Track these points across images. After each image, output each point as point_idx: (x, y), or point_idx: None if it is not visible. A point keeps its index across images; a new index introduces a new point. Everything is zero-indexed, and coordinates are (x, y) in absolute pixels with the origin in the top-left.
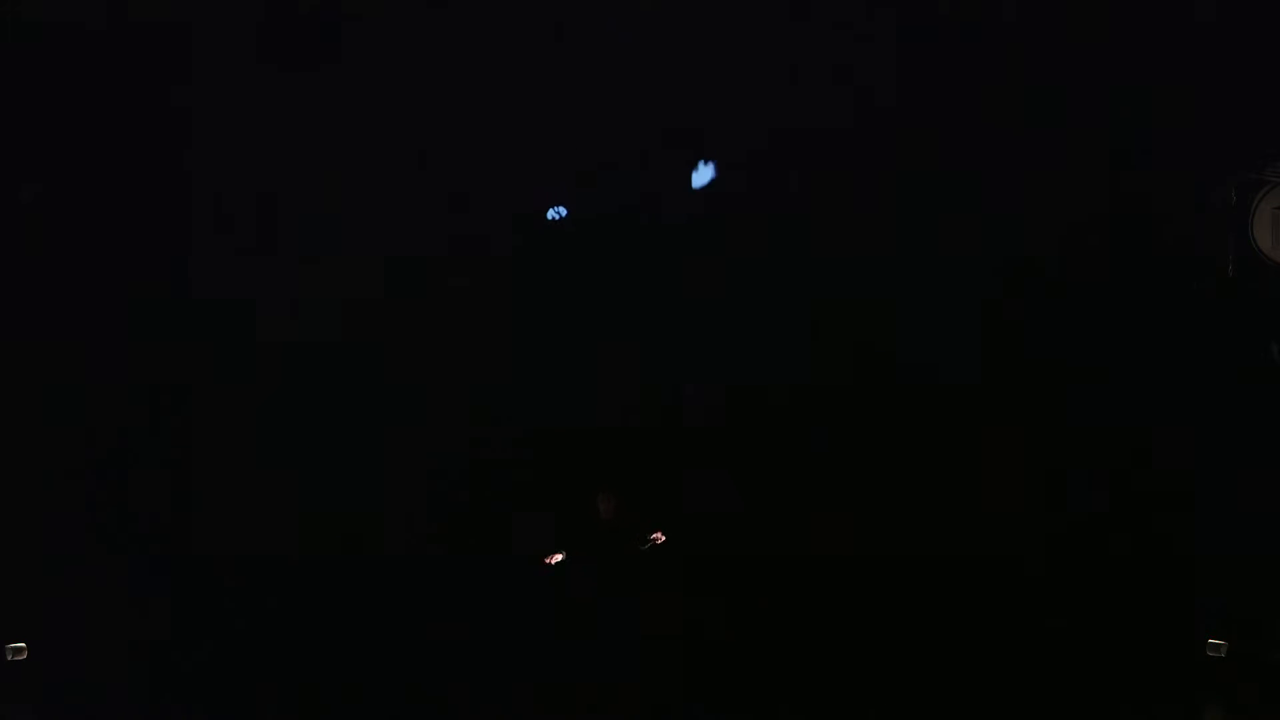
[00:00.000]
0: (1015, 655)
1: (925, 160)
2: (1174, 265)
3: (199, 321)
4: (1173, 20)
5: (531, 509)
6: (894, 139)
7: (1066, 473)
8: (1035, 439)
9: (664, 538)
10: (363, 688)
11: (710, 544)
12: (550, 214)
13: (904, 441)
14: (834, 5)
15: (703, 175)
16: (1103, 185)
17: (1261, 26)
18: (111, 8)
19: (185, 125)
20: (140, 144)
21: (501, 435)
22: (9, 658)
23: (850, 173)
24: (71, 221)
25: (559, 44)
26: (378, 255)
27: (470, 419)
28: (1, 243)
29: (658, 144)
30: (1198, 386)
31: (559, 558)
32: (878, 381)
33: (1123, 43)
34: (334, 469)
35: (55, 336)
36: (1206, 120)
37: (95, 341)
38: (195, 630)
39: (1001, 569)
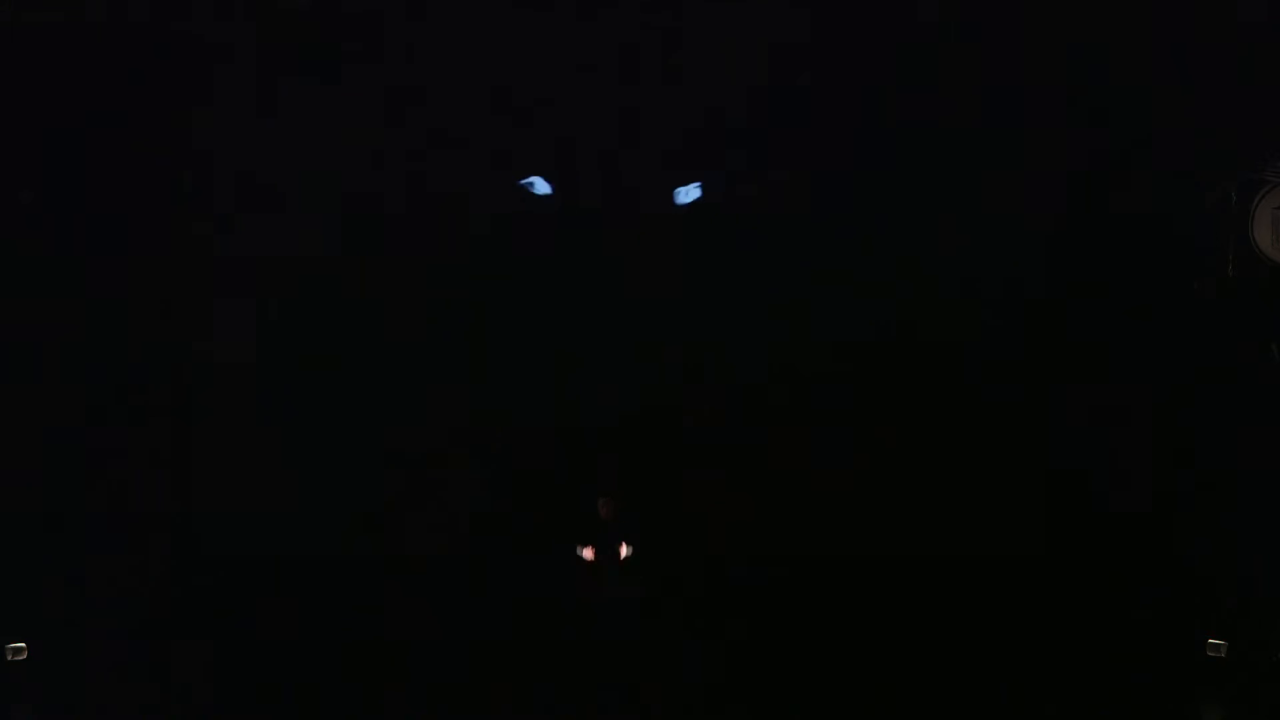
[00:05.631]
0: (1015, 655)
1: (924, 159)
2: (1174, 265)
3: (199, 321)
4: (1173, 20)
5: (530, 509)
6: (893, 137)
7: (1064, 473)
8: (1033, 439)
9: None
10: (362, 688)
11: (709, 544)
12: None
13: (901, 441)
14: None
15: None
16: (1102, 185)
17: (1262, 26)
18: (110, 9)
19: (184, 125)
20: (139, 144)
21: (501, 435)
22: (9, 658)
23: (849, 170)
24: (70, 222)
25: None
26: (378, 255)
27: (470, 419)
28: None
29: (657, 140)
30: (1198, 386)
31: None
32: (877, 381)
33: (1122, 43)
34: (333, 469)
35: (54, 336)
36: (1206, 120)
37: (95, 341)
38: (196, 630)
39: (1000, 569)
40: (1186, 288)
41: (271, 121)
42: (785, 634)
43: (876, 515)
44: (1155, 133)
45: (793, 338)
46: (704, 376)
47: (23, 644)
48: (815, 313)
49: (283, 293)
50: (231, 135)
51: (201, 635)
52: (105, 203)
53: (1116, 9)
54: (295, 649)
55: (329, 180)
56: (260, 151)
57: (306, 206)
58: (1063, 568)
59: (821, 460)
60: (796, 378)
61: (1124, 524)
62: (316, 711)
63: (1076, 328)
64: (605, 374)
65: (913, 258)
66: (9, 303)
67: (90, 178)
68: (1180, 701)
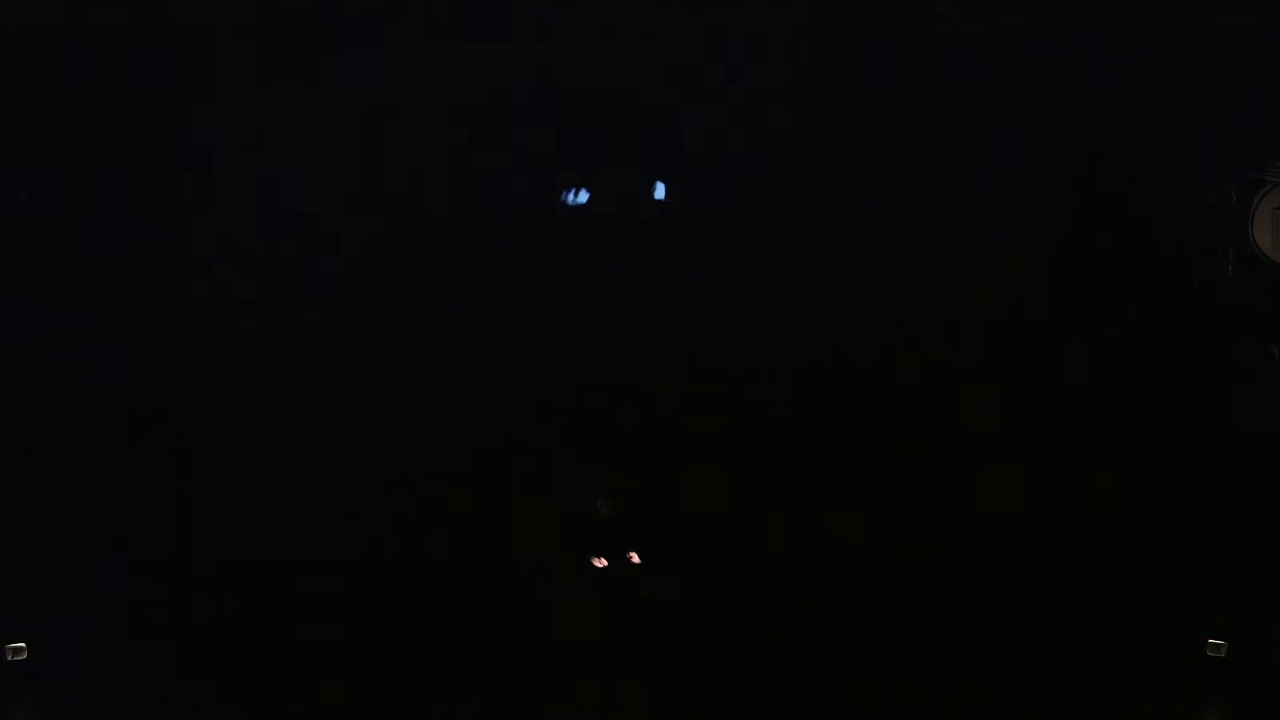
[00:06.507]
0: (1014, 655)
1: (925, 159)
2: (1174, 265)
3: (199, 321)
4: (1172, 20)
5: (530, 508)
6: (893, 136)
7: (1064, 472)
8: (1032, 439)
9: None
10: (361, 688)
11: (709, 544)
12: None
13: (901, 441)
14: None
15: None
16: (1103, 185)
17: (1262, 26)
18: (110, 8)
19: (185, 123)
20: (139, 143)
21: (501, 434)
22: (9, 658)
23: (852, 170)
24: (69, 222)
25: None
26: (378, 254)
27: (470, 418)
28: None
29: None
30: (1197, 386)
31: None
32: (876, 381)
33: (1122, 42)
34: (332, 469)
35: (54, 336)
36: (1206, 120)
37: (94, 341)
38: (195, 631)
39: (998, 569)
40: (1186, 288)
41: (271, 121)
42: (786, 634)
43: (876, 515)
44: (1155, 133)
45: (792, 338)
46: (704, 376)
47: (23, 644)
48: (815, 312)
49: (283, 292)
50: (232, 135)
51: (202, 636)
52: (105, 202)
53: (1116, 9)
54: (296, 650)
55: (329, 179)
56: (260, 151)
57: (305, 206)
58: (1062, 568)
59: (822, 460)
60: (796, 377)
61: (1123, 524)
62: (317, 712)
63: (1076, 328)
64: (606, 374)
65: (912, 257)
66: (7, 302)
67: (90, 178)
68: (1180, 701)
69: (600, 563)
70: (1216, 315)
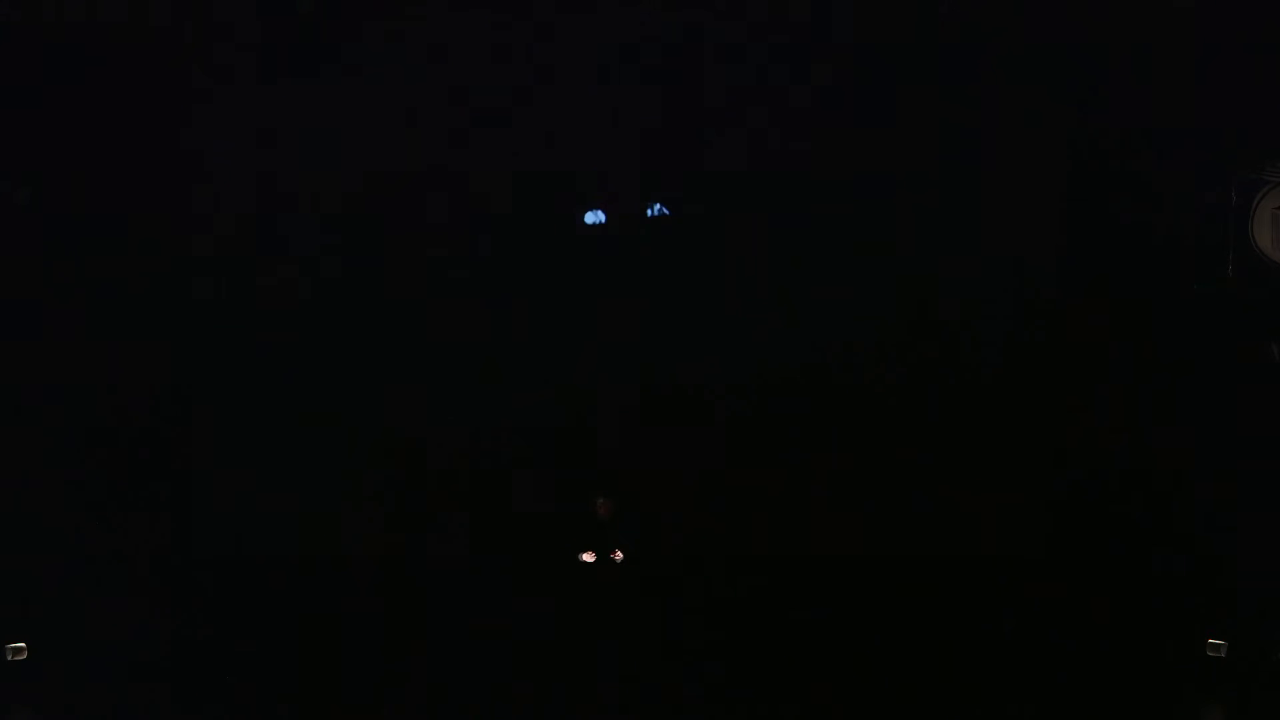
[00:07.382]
0: (1014, 655)
1: (924, 158)
2: (1174, 265)
3: (198, 321)
4: (1173, 20)
5: (530, 509)
6: (893, 137)
7: (1065, 473)
8: (1033, 439)
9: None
10: (360, 689)
11: (710, 544)
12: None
13: (900, 442)
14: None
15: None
16: (1102, 185)
17: (1262, 26)
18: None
19: (185, 124)
20: (139, 143)
21: (500, 435)
22: (9, 658)
23: (849, 171)
24: (68, 222)
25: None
26: (377, 253)
27: (470, 418)
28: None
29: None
30: (1197, 386)
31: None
32: (876, 380)
33: (1122, 41)
34: (333, 469)
35: (54, 337)
36: (1206, 120)
37: (93, 342)
38: (196, 631)
39: (999, 569)
40: (1186, 288)
41: (271, 121)
42: (786, 635)
43: (877, 515)
44: (1155, 133)
45: (793, 338)
46: (704, 376)
47: (23, 644)
48: (816, 313)
49: (284, 292)
50: (231, 135)
51: (202, 636)
52: (105, 203)
53: (1117, 9)
54: (297, 651)
55: (329, 180)
56: (260, 151)
57: (305, 205)
58: (1062, 568)
59: (822, 461)
60: (796, 379)
61: (1124, 524)
62: (318, 713)
63: (1076, 328)
64: (606, 375)
65: (912, 258)
66: (7, 302)
67: (90, 178)
68: (1180, 701)
69: (589, 557)
70: (1216, 315)
